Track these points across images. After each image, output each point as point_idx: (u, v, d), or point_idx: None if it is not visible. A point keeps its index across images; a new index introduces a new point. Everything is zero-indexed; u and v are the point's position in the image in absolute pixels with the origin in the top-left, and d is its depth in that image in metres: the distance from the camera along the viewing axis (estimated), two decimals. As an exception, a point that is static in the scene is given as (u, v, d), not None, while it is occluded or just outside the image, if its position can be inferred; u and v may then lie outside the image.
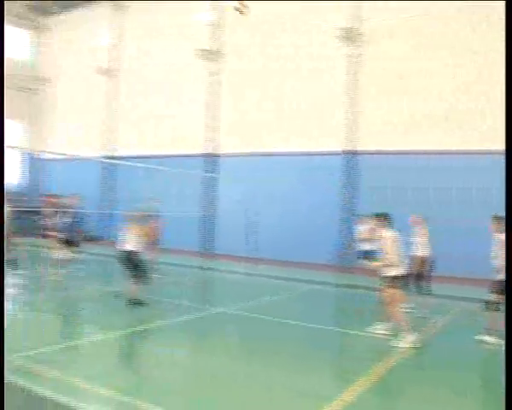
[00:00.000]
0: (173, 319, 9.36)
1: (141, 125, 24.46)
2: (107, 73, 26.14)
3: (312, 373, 6.57)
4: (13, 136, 28.31)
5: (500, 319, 7.16)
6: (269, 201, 19.77)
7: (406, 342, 7.81)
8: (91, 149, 25.12)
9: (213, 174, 21.88)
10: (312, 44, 19.71)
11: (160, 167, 18.56)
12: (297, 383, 6.19)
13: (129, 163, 20.66)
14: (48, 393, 5.28)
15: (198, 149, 22.39)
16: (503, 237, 7.17)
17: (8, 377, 5.53)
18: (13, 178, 27.90)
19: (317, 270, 16.93)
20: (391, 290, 7.94)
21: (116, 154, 25.24)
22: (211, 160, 22.28)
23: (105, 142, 25.93)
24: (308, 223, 18.78)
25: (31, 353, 6.61)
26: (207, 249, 21.95)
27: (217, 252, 21.58)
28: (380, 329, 8.59)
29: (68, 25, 28.41)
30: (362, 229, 12.47)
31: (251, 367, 6.79)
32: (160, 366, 6.71)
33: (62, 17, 28.66)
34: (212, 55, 22.33)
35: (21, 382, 5.55)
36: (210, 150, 22.34)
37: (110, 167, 25.30)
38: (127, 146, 24.75)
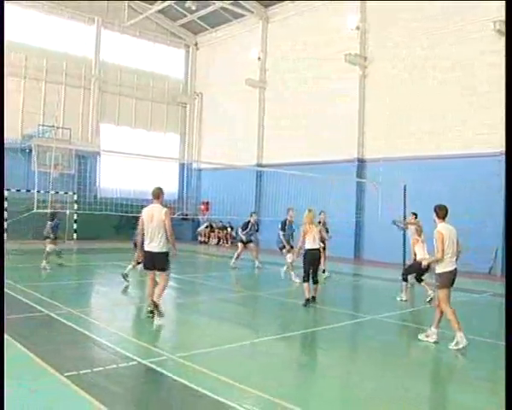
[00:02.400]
0: (328, 325, 9.62)
1: (290, 133, 25.31)
2: (257, 84, 27.36)
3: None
4: (171, 147, 31.20)
5: None
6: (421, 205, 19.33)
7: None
8: (243, 158, 26.50)
9: (362, 179, 21.94)
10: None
11: (310, 174, 18.96)
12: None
13: (280, 170, 21.36)
14: (206, 391, 5.68)
15: (342, 155, 22.63)
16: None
17: (171, 374, 6.25)
18: (172, 188, 30.52)
19: (477, 278, 16.25)
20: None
21: (266, 162, 26.49)
22: (360, 165, 22.46)
23: (257, 150, 27.23)
24: (466, 228, 17.80)
25: (193, 352, 7.21)
26: (358, 256, 22.30)
27: (367, 258, 21.77)
28: None
29: (218, 41, 30.46)
30: None
31: (418, 382, 6.50)
32: (318, 372, 6.98)
33: (212, 34, 30.81)
34: (360, 59, 22.50)
35: (185, 380, 6.04)
36: (359, 155, 22.50)
37: (261, 175, 26.54)
38: (277, 154, 25.78)
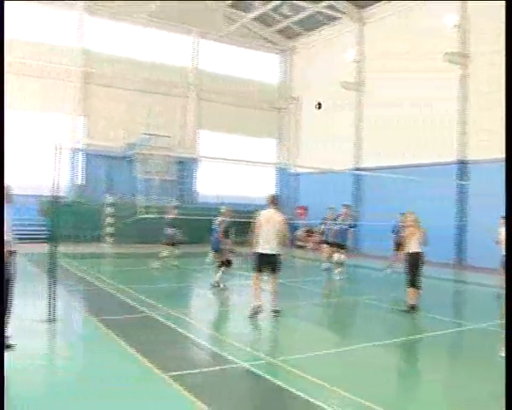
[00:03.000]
0: (429, 333, 9.40)
1: (387, 135, 24.83)
2: (354, 86, 27.06)
3: None
4: (267, 152, 31.52)
5: None
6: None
7: None
8: (341, 162, 26.13)
9: (465, 182, 20.99)
10: None
11: (411, 177, 18.71)
12: None
13: (378, 174, 21.12)
14: (302, 394, 5.74)
15: (442, 156, 21.95)
16: None
17: (270, 377, 6.34)
18: (269, 193, 30.60)
19: None
20: None
21: (363, 165, 26.13)
22: (462, 167, 21.65)
23: (355, 153, 26.94)
24: None
25: (291, 356, 7.28)
26: (460, 261, 21.34)
27: (470, 264, 20.86)
28: None
29: (313, 44, 30.47)
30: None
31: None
32: (416, 379, 6.88)
33: (307, 38, 30.84)
34: (461, 57, 21.70)
35: (288, 386, 6.09)
36: (461, 157, 21.69)
37: (358, 179, 26.30)
38: (375, 157, 25.31)
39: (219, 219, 13.34)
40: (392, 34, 25.13)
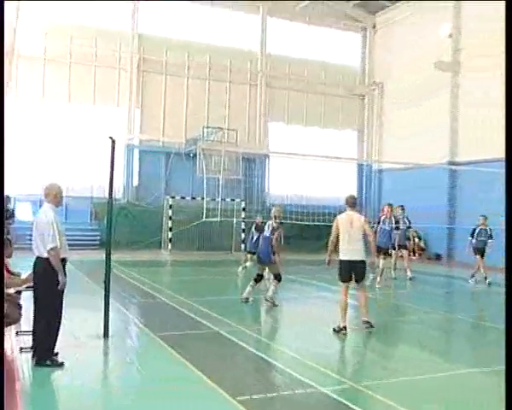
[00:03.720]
0: None
1: (489, 123, 23.74)
2: (449, 67, 26.40)
3: None
4: (347, 146, 31.26)
5: None
6: None
7: None
8: (433, 156, 25.68)
9: None
10: None
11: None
12: None
13: (480, 168, 20.72)
14: None
15: None
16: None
17: (352, 404, 6.14)
18: (350, 192, 30.42)
19: None
20: None
21: (461, 159, 25.51)
22: None
23: (450, 145, 26.37)
24: None
25: (378, 381, 7.09)
26: None
27: None
28: None
29: (399, 19, 29.82)
30: None
31: None
32: None
33: (392, 12, 30.36)
34: None
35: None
36: None
37: (454, 174, 25.74)
38: (474, 148, 24.54)
39: (271, 223, 12.69)
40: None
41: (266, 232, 12.65)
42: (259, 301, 12.75)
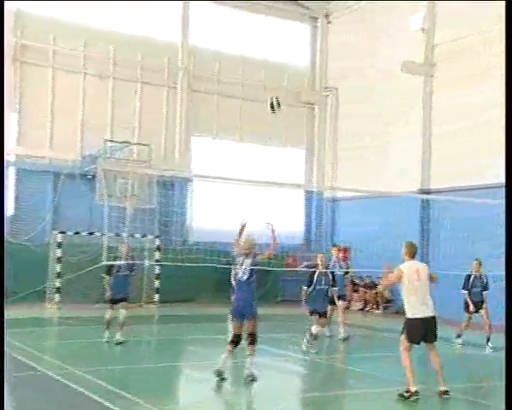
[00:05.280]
0: None
1: (471, 142, 24.41)
2: (421, 69, 26.84)
3: None
4: (293, 168, 31.23)
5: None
6: None
7: None
8: (400, 183, 26.08)
9: None
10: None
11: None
12: None
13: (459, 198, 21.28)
14: None
15: None
16: None
17: None
18: (295, 227, 30.81)
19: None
20: None
21: (436, 186, 26.00)
22: None
23: (421, 169, 26.78)
24: None
25: None
26: None
27: None
28: None
29: (358, 9, 30.29)
30: None
31: None
32: None
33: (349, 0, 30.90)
34: None
35: None
36: None
37: (428, 205, 26.15)
38: (452, 173, 24.99)
39: (246, 261, 12.11)
40: None
41: (242, 275, 12.02)
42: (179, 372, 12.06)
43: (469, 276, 17.36)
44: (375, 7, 29.44)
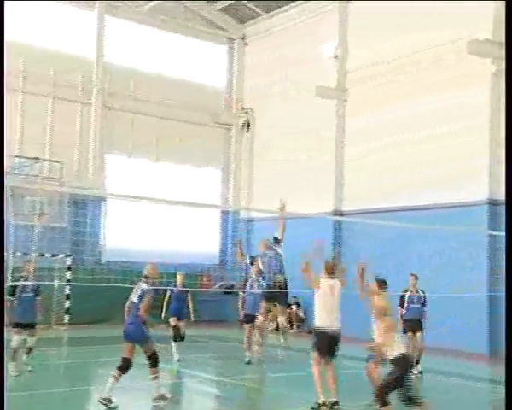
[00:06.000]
0: None
1: (384, 166, 25.36)
2: (334, 94, 27.53)
3: None
4: (209, 188, 31.18)
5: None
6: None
7: None
8: (314, 203, 26.53)
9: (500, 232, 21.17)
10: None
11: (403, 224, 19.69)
12: None
13: (370, 220, 21.37)
14: None
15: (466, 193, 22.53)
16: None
17: None
18: (210, 247, 30.89)
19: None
20: None
21: (349, 208, 26.58)
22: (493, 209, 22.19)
23: (335, 191, 27.36)
24: None
25: None
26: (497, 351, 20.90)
27: None
28: None
29: (275, 32, 30.94)
30: None
31: None
32: None
33: (266, 22, 31.40)
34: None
35: None
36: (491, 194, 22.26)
37: (340, 226, 26.61)
38: (365, 195, 25.80)
39: (143, 286, 12.05)
40: (392, 16, 25.53)
41: (134, 297, 11.98)
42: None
43: (405, 293, 17.03)
44: (291, 32, 30.09)
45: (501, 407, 10.22)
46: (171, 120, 30.05)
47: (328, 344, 11.60)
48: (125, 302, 12.35)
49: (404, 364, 9.51)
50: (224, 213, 32.21)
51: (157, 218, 27.14)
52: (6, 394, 8.04)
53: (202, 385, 15.22)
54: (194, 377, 15.72)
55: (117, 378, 11.42)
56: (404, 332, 16.10)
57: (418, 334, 16.71)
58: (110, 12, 28.97)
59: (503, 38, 20.89)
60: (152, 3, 29.04)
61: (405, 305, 16.82)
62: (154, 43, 30.35)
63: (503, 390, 10.73)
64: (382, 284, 12.53)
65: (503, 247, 16.89)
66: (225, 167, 32.68)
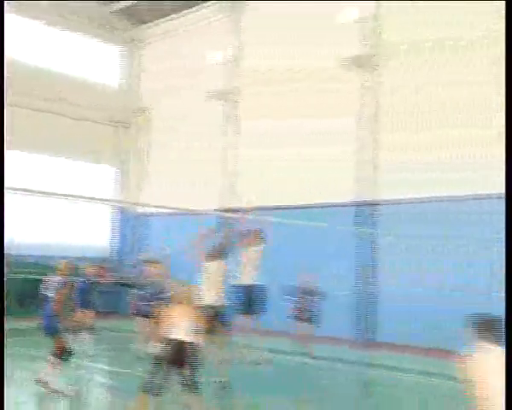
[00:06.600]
0: None
1: (275, 165, 26.48)
2: (225, 96, 28.56)
3: None
4: (100, 184, 31.47)
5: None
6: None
7: None
8: (207, 200, 27.20)
9: (369, 229, 23.18)
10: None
11: (291, 221, 20.09)
12: None
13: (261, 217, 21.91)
14: None
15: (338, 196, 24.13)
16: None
17: None
18: (99, 240, 31.35)
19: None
20: None
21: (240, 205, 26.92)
22: (364, 210, 23.90)
23: (225, 189, 28.40)
24: None
25: None
26: (366, 337, 23.16)
27: (380, 341, 22.74)
28: None
29: (171, 34, 31.69)
30: None
31: None
32: None
33: (162, 25, 32.13)
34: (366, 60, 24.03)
35: None
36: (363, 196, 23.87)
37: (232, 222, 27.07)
38: (255, 193, 25.91)
39: (56, 278, 12.38)
40: (280, 26, 26.79)
41: (45, 291, 12.24)
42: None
43: (294, 285, 18.46)
44: (187, 36, 30.87)
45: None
46: (69, 118, 29.98)
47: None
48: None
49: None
50: (118, 208, 32.60)
51: (48, 212, 27.52)
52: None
53: (98, 376, 15.34)
54: (90, 369, 15.49)
55: (55, 365, 11.60)
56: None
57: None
58: (10, 10, 28.26)
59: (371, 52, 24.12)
60: (50, 1, 28.90)
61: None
62: (54, 43, 30.34)
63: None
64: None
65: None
66: (120, 164, 33.10)
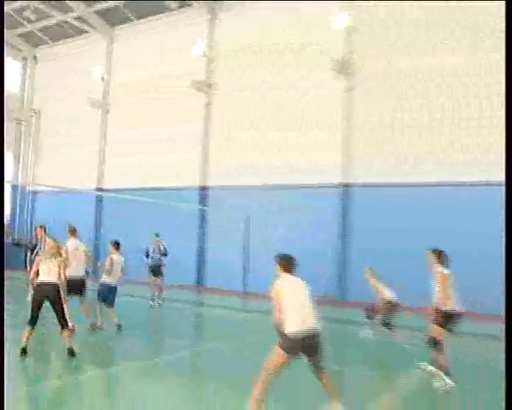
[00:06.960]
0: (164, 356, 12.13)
1: (133, 157, 30.79)
2: (100, 105, 33.34)
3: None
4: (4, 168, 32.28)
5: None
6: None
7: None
8: (84, 181, 32.00)
9: (202, 207, 27.76)
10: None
11: (148, 199, 23.89)
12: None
13: (120, 195, 26.62)
14: None
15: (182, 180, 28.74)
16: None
17: None
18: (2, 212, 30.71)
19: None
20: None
21: (108, 187, 32.06)
22: (202, 192, 28.43)
23: (98, 174, 33.15)
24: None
25: None
26: (201, 284, 27.72)
27: (212, 287, 26.88)
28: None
29: (59, 56, 36.15)
30: None
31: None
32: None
33: (53, 49, 36.65)
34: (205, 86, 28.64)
35: None
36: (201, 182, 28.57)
37: (100, 201, 32.45)
38: (120, 178, 31.16)
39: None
40: (145, 54, 31.65)
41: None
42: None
43: (149, 248, 20.76)
44: (72, 58, 35.17)
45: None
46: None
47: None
48: None
49: None
50: (14, 186, 37.04)
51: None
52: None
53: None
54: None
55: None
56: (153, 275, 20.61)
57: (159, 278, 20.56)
58: None
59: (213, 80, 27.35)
60: None
61: (150, 256, 20.67)
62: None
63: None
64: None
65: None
66: (16, 153, 37.64)
